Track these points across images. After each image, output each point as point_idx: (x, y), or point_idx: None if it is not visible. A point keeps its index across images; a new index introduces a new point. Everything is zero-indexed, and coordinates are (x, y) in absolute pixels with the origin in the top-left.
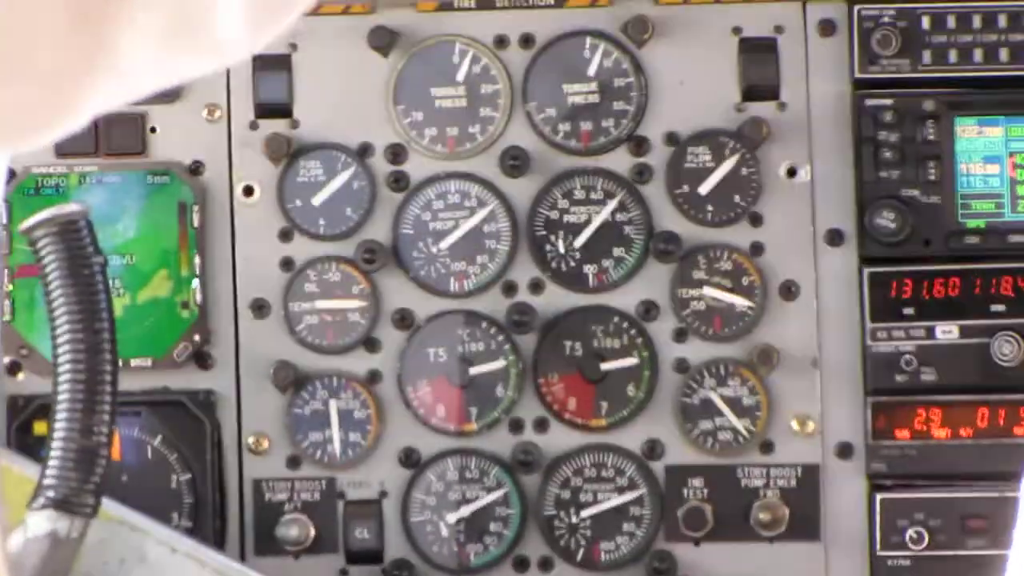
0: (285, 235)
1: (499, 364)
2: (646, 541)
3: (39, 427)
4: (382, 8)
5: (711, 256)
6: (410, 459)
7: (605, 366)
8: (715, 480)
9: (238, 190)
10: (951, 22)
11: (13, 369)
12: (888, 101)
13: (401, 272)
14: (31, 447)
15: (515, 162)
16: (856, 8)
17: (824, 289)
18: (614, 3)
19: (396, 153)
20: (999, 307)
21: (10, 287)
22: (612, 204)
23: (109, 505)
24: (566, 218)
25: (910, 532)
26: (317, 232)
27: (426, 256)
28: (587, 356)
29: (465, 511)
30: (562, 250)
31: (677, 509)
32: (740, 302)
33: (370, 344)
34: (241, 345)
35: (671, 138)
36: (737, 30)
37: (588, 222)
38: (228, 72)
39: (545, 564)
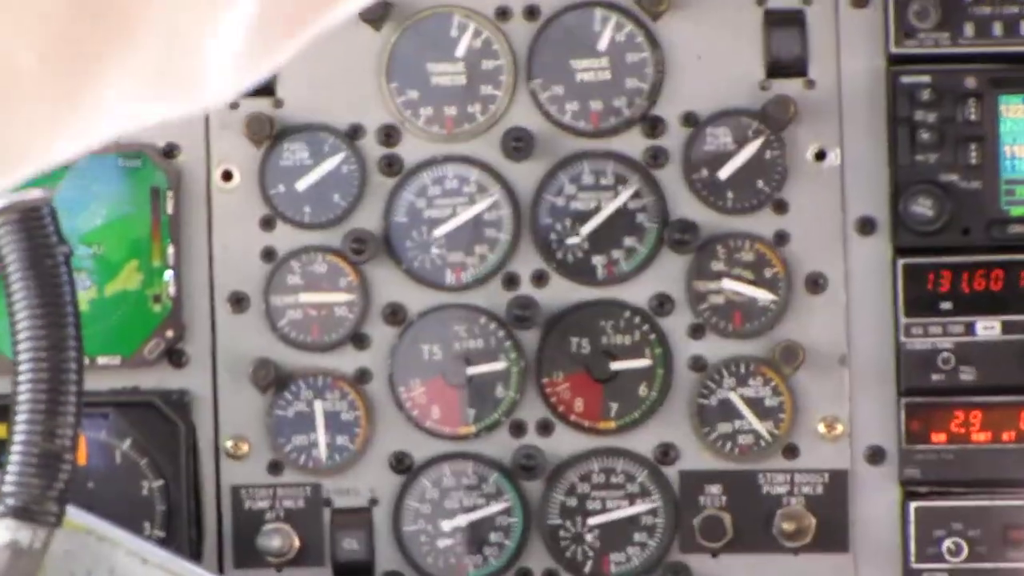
0: (267, 223)
1: (500, 363)
2: (659, 552)
3: None
4: None
5: (731, 246)
6: (402, 464)
7: (615, 365)
8: (734, 487)
9: (216, 175)
10: None
11: None
12: (926, 78)
13: (393, 263)
14: None
15: (518, 144)
16: None
17: (854, 282)
18: None
19: (389, 135)
20: None
21: None
22: (626, 193)
23: (75, 513)
24: (573, 205)
25: (947, 543)
26: (302, 220)
27: (420, 246)
28: (595, 354)
29: (462, 520)
30: (569, 240)
31: (693, 518)
32: (762, 295)
33: (359, 341)
34: (218, 342)
35: (689, 119)
36: (761, 1)
37: (598, 209)
38: None
39: None
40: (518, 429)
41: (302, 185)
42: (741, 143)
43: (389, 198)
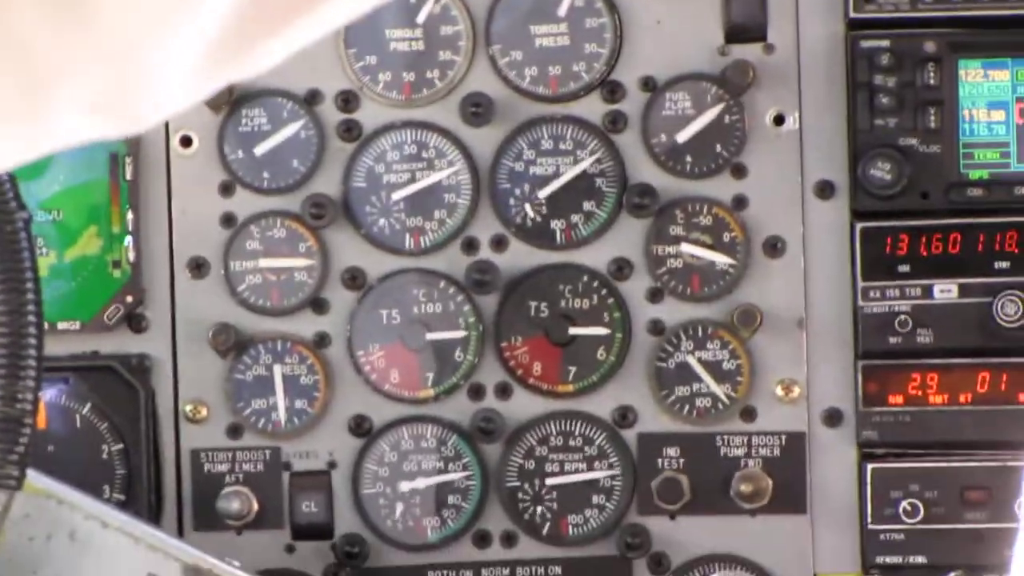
0: (226, 189)
1: (459, 327)
2: (617, 514)
3: None
4: None
5: (690, 210)
6: (361, 427)
7: (573, 330)
8: (692, 449)
9: (175, 140)
10: None
11: None
12: (885, 43)
13: (352, 228)
14: None
15: (477, 109)
16: None
17: (812, 245)
18: None
19: (347, 100)
20: (1003, 264)
21: None
22: (588, 160)
23: (35, 477)
24: (532, 170)
25: (904, 504)
26: (260, 185)
27: (379, 211)
28: (554, 317)
29: (421, 483)
30: (527, 204)
31: (651, 480)
32: (721, 259)
33: (318, 305)
34: (177, 307)
35: (647, 83)
36: None
37: (557, 174)
38: None
39: (508, 539)
40: (477, 392)
41: (260, 150)
42: (700, 108)
43: (348, 163)
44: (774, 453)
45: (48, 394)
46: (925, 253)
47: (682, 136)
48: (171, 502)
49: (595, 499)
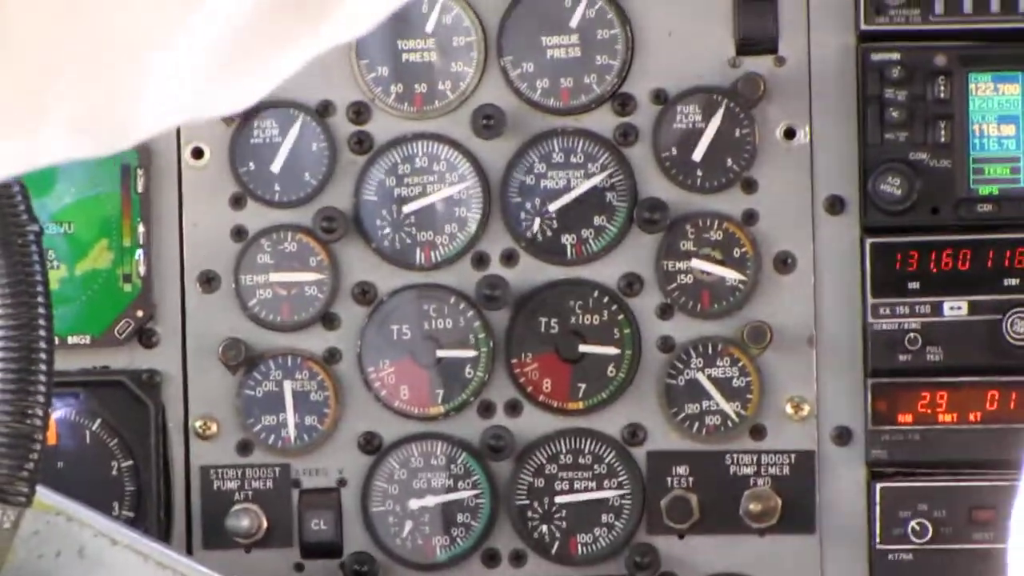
0: (237, 201)
1: (469, 343)
2: (626, 533)
3: None
4: None
5: (700, 225)
6: (371, 444)
7: (584, 348)
8: (701, 468)
9: (186, 152)
10: None
11: None
12: (896, 56)
13: (362, 242)
14: None
15: (488, 122)
16: None
17: (822, 261)
18: None
19: (359, 112)
20: (1012, 281)
21: None
22: (599, 176)
23: (44, 494)
24: (543, 183)
25: (913, 524)
26: (272, 198)
27: (390, 225)
28: (564, 334)
29: (430, 501)
30: (538, 219)
31: (660, 499)
32: (731, 275)
33: (328, 320)
34: (188, 321)
35: (659, 96)
36: None
37: (568, 188)
38: None
39: (517, 558)
40: (487, 409)
41: (276, 165)
42: (710, 121)
43: (359, 176)
44: (783, 472)
45: (58, 411)
46: (935, 270)
47: (696, 153)
48: (180, 519)
49: (604, 518)
